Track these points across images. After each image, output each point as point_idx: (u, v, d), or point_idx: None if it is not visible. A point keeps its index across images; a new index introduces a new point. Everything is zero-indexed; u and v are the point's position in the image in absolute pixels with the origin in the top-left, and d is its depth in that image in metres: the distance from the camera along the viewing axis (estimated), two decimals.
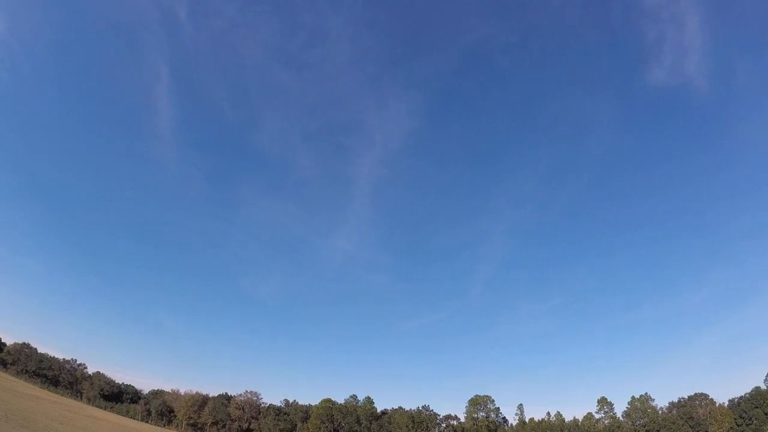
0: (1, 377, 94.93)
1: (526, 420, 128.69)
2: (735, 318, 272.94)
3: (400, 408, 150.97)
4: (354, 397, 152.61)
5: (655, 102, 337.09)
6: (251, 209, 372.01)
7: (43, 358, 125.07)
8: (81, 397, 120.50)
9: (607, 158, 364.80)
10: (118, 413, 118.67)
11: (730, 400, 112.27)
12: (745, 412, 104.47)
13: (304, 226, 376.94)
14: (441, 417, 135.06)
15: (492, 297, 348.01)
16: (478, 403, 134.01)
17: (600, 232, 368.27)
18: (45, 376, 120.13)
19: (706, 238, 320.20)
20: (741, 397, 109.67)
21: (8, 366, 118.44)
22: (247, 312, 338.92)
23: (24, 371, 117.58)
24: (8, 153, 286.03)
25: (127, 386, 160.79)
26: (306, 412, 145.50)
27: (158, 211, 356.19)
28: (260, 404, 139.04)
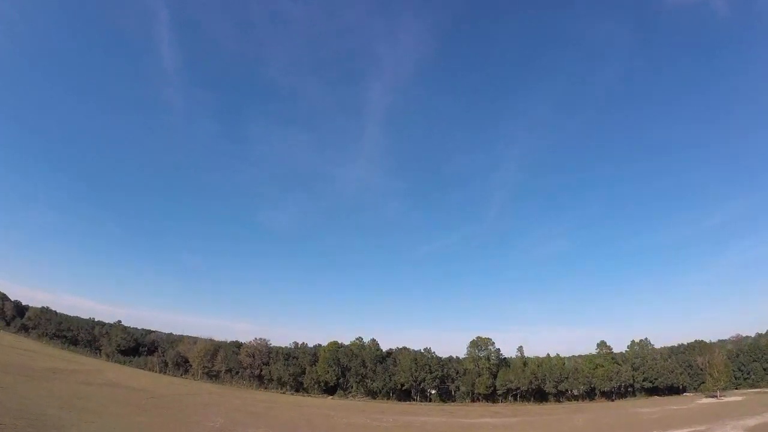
0: (18, 350, 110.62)
1: (527, 361, 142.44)
2: (741, 248, 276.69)
3: (405, 348, 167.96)
4: (360, 339, 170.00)
5: (671, 23, 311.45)
6: (263, 143, 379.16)
7: (63, 320, 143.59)
8: (100, 353, 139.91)
9: (622, 84, 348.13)
10: (136, 366, 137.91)
11: (728, 351, 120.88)
12: (744, 365, 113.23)
13: (318, 157, 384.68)
14: (444, 359, 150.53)
15: (506, 221, 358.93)
16: (478, 344, 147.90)
17: (613, 158, 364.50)
18: (65, 337, 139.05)
19: (720, 167, 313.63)
20: (740, 350, 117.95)
21: (30, 330, 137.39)
22: (265, 245, 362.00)
23: (45, 334, 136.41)
24: (19, 108, 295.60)
25: (145, 334, 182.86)
26: (314, 354, 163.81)
27: (170, 153, 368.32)
28: (269, 351, 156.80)
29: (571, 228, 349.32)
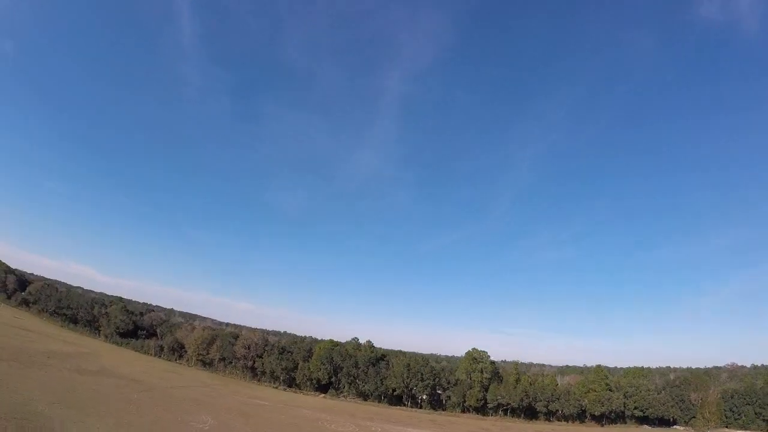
0: (17, 330, 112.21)
1: (519, 377, 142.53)
2: (744, 276, 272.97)
3: (400, 352, 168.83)
4: (356, 339, 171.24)
5: (699, 39, 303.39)
6: (276, 123, 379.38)
7: (62, 297, 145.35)
8: (99, 333, 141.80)
9: (644, 94, 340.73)
10: (132, 349, 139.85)
11: (722, 390, 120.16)
12: (736, 407, 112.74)
13: (330, 141, 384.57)
14: (437, 368, 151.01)
15: (511, 222, 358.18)
16: (474, 357, 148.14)
17: (626, 170, 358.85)
18: (64, 315, 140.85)
19: (732, 191, 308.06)
20: (735, 390, 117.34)
21: (30, 305, 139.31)
22: (271, 226, 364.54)
23: (45, 310, 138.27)
24: (38, 83, 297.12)
25: (146, 312, 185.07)
26: (309, 350, 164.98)
27: (183, 128, 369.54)
28: (265, 344, 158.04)
29: (577, 235, 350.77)
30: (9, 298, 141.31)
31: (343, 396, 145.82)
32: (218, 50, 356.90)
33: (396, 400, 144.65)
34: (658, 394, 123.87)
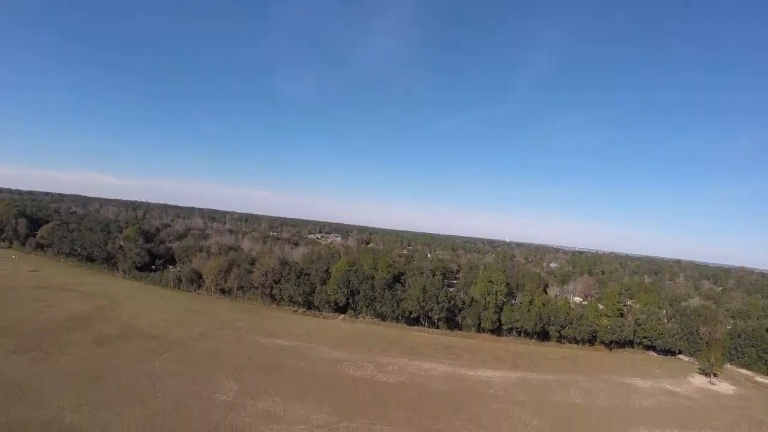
0: (33, 291, 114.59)
1: (534, 300, 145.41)
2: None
3: (417, 270, 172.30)
4: (374, 260, 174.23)
5: None
6: (283, 4, 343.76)
7: (75, 238, 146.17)
8: (117, 269, 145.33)
9: None
10: (151, 283, 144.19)
11: (731, 328, 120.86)
12: (741, 347, 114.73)
13: (341, 22, 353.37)
14: (453, 290, 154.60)
15: (531, 104, 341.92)
16: (490, 280, 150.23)
17: (655, 60, 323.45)
18: (80, 255, 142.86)
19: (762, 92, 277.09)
20: (742, 330, 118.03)
21: (45, 249, 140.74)
22: (283, 116, 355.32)
23: (60, 252, 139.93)
24: None
25: (161, 231, 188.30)
26: (326, 271, 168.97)
27: (186, 15, 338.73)
28: (282, 269, 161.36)
29: (597, 122, 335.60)
30: (23, 244, 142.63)
31: (362, 316, 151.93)
32: None
33: (413, 321, 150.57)
34: (668, 322, 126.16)
